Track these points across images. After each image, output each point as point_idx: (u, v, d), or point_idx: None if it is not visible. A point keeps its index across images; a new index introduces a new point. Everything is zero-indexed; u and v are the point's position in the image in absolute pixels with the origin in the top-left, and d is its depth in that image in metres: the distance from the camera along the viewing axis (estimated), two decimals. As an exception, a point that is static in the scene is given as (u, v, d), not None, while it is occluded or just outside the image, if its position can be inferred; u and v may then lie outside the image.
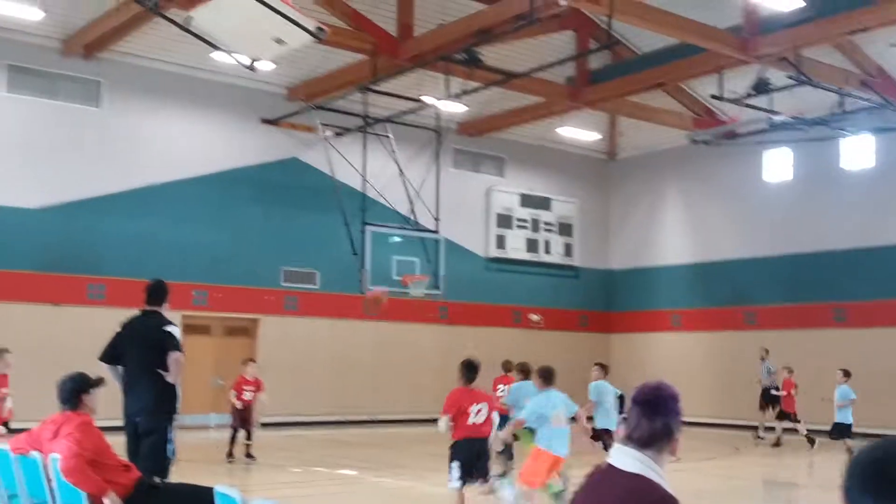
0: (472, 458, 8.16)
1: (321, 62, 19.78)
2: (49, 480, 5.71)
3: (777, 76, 17.83)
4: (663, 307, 24.90)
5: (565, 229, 25.59)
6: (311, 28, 10.64)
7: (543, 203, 25.16)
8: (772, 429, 18.37)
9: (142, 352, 7.18)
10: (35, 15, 16.52)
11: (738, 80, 18.75)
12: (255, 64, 12.63)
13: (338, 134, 20.47)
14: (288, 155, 20.95)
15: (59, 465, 5.42)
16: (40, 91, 18.15)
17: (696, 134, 21.45)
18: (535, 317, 24.29)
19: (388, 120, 19.30)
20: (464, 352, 12.56)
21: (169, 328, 7.25)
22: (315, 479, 12.66)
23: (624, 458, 2.95)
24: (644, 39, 20.57)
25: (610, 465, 2.99)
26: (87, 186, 18.32)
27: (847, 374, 14.85)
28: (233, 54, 12.36)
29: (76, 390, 5.82)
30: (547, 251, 25.13)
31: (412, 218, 19.32)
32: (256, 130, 20.56)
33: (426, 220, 19.42)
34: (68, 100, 18.45)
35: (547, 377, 9.01)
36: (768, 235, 22.48)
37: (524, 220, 24.77)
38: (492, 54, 17.89)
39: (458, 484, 8.19)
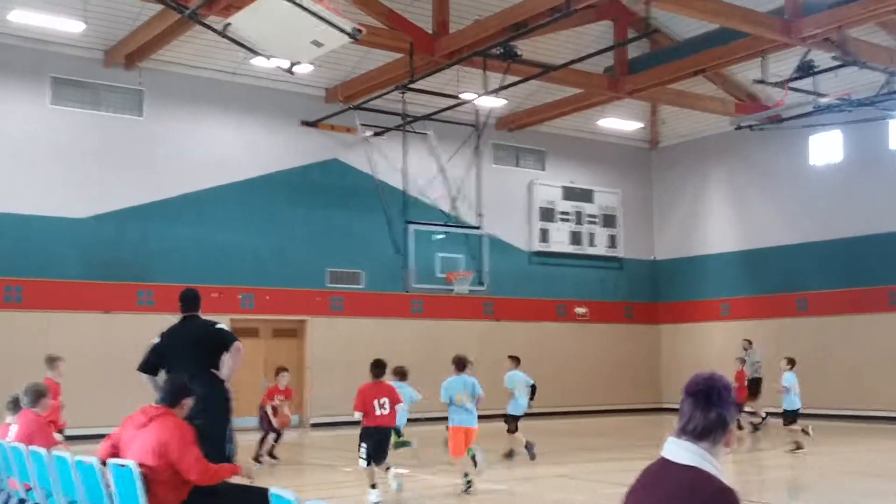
0: (375, 444, 9.75)
1: (358, 63, 19.86)
2: (108, 486, 5.70)
3: (822, 58, 17.49)
4: (711, 296, 24.57)
5: (609, 221, 25.39)
6: (347, 29, 10.68)
7: (586, 195, 24.99)
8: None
9: (195, 354, 7.21)
10: (76, 27, 16.81)
11: (781, 64, 18.42)
12: (294, 67, 12.75)
13: (377, 133, 20.54)
14: (329, 156, 21.06)
15: (192, 477, 5.50)
16: (83, 102, 18.45)
17: (739, 119, 21.13)
18: (580, 310, 24.15)
19: (427, 117, 19.30)
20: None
21: (220, 326, 7.39)
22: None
23: (678, 450, 2.90)
24: (683, 26, 20.32)
25: (664, 459, 2.93)
26: (132, 194, 18.60)
27: (791, 361, 14.92)
28: (271, 59, 12.49)
29: (183, 391, 5.88)
30: (591, 243, 24.95)
31: (454, 214, 19.31)
32: (297, 133, 20.70)
33: (468, 217, 19.41)
34: (111, 110, 18.74)
35: (459, 365, 10.73)
36: (818, 219, 22.06)
37: (567, 213, 24.62)
38: (529, 47, 17.79)
39: (364, 464, 9.79)
